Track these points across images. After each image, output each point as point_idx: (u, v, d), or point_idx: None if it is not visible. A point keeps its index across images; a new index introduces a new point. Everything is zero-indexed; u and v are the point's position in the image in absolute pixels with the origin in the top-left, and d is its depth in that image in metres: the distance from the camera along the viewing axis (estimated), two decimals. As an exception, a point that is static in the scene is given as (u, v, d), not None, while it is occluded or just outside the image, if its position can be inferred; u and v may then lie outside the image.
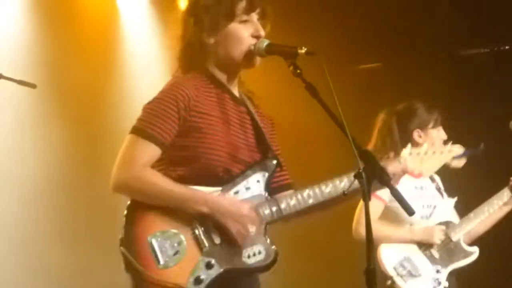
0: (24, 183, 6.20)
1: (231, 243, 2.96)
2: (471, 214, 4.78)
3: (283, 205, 3.06)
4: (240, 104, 3.18)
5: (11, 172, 5.94)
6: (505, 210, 4.82)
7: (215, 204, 2.96)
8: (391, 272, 4.57)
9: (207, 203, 2.96)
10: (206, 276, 2.92)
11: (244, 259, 3.01)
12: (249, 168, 3.10)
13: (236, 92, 3.18)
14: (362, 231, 4.20)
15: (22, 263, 6.00)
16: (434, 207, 4.76)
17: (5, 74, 5.01)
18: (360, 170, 2.74)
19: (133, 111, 3.17)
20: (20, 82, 5.13)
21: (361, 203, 4.00)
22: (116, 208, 3.10)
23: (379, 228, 4.46)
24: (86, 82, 6.66)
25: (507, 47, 7.14)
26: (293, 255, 6.33)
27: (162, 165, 3.00)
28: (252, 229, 3.00)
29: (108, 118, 6.50)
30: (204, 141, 3.03)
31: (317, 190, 3.09)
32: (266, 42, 3.00)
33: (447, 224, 4.75)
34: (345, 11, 6.89)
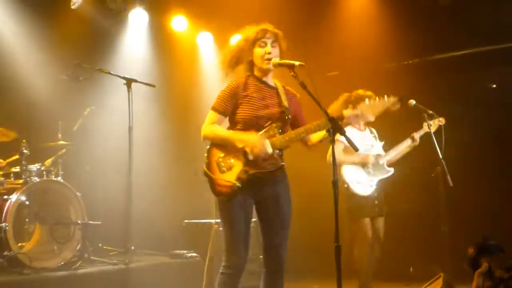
0: (152, 145, 6.76)
1: (258, 159, 3.48)
2: (390, 150, 5.25)
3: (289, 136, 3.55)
4: (270, 88, 3.67)
5: (146, 139, 6.45)
6: (407, 150, 5.22)
7: (243, 140, 3.49)
8: (347, 179, 5.11)
9: (240, 140, 3.49)
10: (245, 176, 3.50)
11: (265, 165, 3.51)
12: (271, 120, 3.55)
13: (270, 82, 3.69)
14: (330, 159, 4.90)
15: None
16: (372, 146, 5.26)
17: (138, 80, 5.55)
18: (330, 128, 3.32)
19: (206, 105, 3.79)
20: (146, 84, 5.64)
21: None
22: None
23: (340, 157, 4.97)
24: (181, 87, 7.29)
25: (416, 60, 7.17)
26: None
27: (230, 123, 3.64)
28: (265, 149, 3.44)
29: (192, 109, 6.89)
30: (245, 111, 3.57)
31: (303, 129, 3.52)
32: (277, 60, 3.55)
33: (378, 155, 5.21)
34: (317, 36, 7.04)
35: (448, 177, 4.76)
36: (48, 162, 5.56)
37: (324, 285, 5.93)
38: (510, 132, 6.34)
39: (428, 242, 5.95)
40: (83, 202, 5.41)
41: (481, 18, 6.29)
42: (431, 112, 4.99)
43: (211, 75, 7.37)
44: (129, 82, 5.43)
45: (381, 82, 6.84)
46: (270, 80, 3.72)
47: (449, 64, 6.82)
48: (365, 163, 5.16)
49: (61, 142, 5.69)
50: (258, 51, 3.62)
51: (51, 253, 5.15)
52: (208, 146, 3.61)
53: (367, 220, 5.07)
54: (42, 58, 6.14)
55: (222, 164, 3.53)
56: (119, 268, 5.26)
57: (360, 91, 5.09)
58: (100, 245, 5.97)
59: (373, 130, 5.38)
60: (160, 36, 7.26)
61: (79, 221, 5.33)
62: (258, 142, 3.49)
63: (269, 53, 3.60)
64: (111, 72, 5.61)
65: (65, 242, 5.25)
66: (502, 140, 6.40)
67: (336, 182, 3.22)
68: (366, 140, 5.25)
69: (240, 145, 3.49)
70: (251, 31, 3.66)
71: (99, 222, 5.51)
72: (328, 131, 3.35)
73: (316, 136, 3.64)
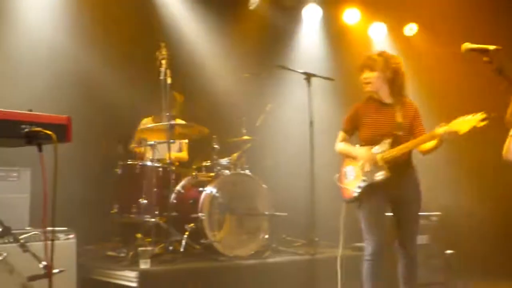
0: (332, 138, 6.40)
1: (373, 169, 4.10)
2: None
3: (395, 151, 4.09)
4: (386, 106, 4.20)
5: (326, 133, 5.95)
6: None
7: (357, 154, 4.19)
8: None
9: (356, 153, 4.20)
10: (362, 184, 4.16)
11: (375, 177, 4.10)
12: (383, 137, 4.13)
13: (386, 100, 4.21)
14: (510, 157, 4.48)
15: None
16: None
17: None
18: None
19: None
20: (325, 78, 5.77)
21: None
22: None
23: None
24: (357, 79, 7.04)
25: None
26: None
27: (359, 139, 4.28)
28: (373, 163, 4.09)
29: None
30: (364, 130, 4.22)
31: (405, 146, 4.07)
32: (469, 45, 3.32)
33: None
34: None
35: None
36: (235, 156, 5.87)
37: None
38: None
39: None
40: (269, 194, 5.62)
41: None
42: None
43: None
44: (308, 76, 5.57)
45: None
46: (387, 97, 4.21)
47: None
48: None
49: (246, 137, 5.95)
50: (360, 77, 4.24)
51: (241, 242, 5.42)
52: (341, 159, 4.36)
53: None
54: (227, 60, 6.53)
55: (347, 173, 4.26)
56: (305, 259, 5.40)
57: None
58: (284, 236, 6.17)
59: None
60: (333, 30, 7.34)
61: (266, 212, 5.57)
62: (368, 157, 4.10)
63: (363, 78, 4.20)
64: (291, 68, 5.84)
65: (254, 232, 5.51)
66: None
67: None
68: None
69: (356, 159, 4.18)
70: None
71: (286, 214, 5.69)
72: None
73: (426, 146, 4.09)
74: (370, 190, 4.14)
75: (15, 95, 5.05)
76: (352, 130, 4.32)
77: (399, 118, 4.19)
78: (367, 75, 4.18)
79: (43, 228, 2.50)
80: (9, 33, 5.52)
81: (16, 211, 4.51)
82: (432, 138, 3.98)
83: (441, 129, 3.88)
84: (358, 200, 4.18)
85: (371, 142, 4.19)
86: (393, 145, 4.11)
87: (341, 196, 4.31)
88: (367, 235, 4.14)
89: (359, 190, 4.15)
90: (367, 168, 4.13)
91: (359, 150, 4.19)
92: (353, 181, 4.22)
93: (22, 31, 5.58)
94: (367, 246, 4.14)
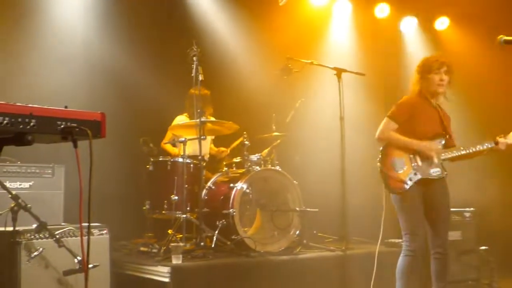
0: (363, 134, 5.99)
1: (426, 164, 4.14)
2: None
3: (450, 152, 4.22)
4: (434, 108, 4.32)
5: (356, 128, 6.12)
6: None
7: (419, 145, 4.16)
8: None
9: (416, 145, 4.16)
10: (414, 177, 4.14)
11: (430, 172, 4.17)
12: (437, 136, 4.23)
13: (434, 103, 4.33)
14: None
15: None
16: None
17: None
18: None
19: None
20: (356, 73, 5.69)
21: None
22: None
23: None
24: (388, 74, 7.11)
25: None
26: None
27: (401, 131, 4.22)
28: (435, 158, 4.13)
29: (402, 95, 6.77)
30: (416, 123, 4.21)
31: (466, 149, 4.22)
32: (505, 36, 3.22)
33: None
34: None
35: None
36: (265, 152, 5.87)
37: None
38: None
39: None
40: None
41: None
42: None
43: (417, 60, 7.18)
44: (339, 72, 5.53)
45: None
46: (434, 101, 4.34)
47: None
48: None
49: (275, 133, 5.95)
50: (433, 76, 4.25)
51: (272, 238, 5.45)
52: (383, 147, 4.26)
53: None
54: (257, 56, 6.54)
55: (397, 163, 4.17)
56: (337, 255, 5.35)
57: None
58: (314, 232, 6.13)
59: None
60: (363, 25, 7.27)
61: (297, 208, 5.54)
62: (435, 149, 4.15)
63: (442, 80, 4.25)
64: (321, 63, 5.78)
65: (285, 228, 5.50)
66: None
67: None
68: None
69: (418, 150, 4.13)
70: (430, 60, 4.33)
71: (317, 209, 5.65)
72: None
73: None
74: (415, 185, 4.13)
75: (51, 92, 5.15)
76: (404, 119, 4.23)
77: (445, 121, 4.33)
78: (445, 77, 4.26)
79: (79, 224, 2.50)
80: (47, 32, 5.63)
81: (51, 207, 4.59)
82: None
83: (500, 140, 4.12)
84: (406, 193, 4.12)
85: (424, 137, 4.20)
86: (445, 145, 4.23)
87: (388, 186, 4.17)
88: (413, 230, 4.11)
89: (410, 183, 4.12)
90: (425, 159, 4.12)
91: (426, 143, 4.13)
92: (403, 173, 4.15)
93: (58, 31, 5.69)
94: (411, 241, 4.09)
